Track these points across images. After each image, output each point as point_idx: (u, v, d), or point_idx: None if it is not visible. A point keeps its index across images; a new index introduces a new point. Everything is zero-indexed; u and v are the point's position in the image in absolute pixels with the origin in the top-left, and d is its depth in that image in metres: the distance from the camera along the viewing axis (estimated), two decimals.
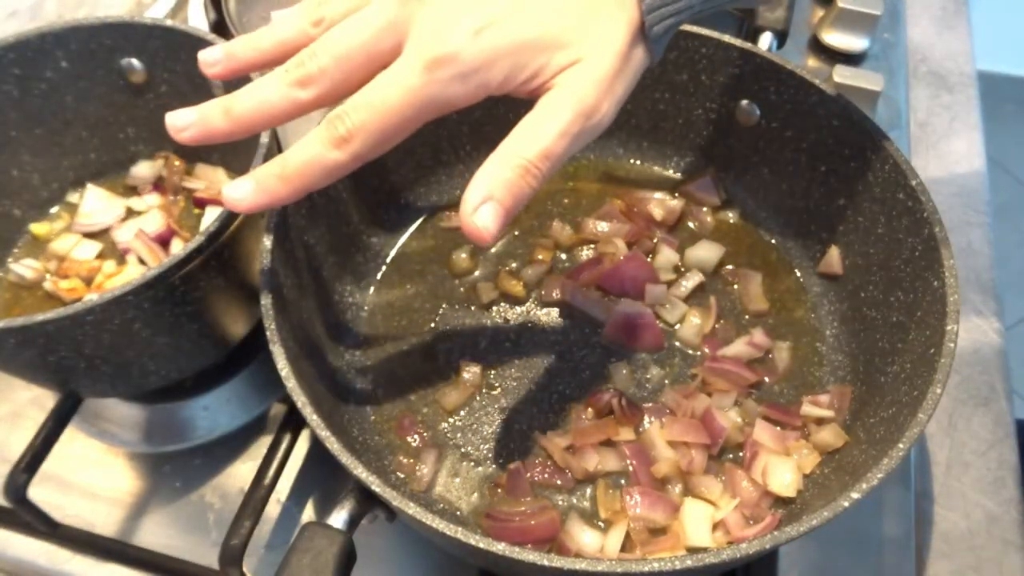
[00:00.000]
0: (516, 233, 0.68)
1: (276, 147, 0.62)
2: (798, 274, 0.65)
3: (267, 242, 0.51)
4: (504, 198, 0.39)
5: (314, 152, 0.39)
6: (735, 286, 0.64)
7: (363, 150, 0.39)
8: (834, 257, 0.61)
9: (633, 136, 0.70)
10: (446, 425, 0.58)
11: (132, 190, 0.70)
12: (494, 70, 0.39)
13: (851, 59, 0.87)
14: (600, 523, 0.53)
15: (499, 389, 0.59)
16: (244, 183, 0.40)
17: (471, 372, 0.60)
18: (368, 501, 0.46)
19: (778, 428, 0.56)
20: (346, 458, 0.43)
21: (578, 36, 0.40)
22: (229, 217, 0.52)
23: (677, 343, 0.61)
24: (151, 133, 0.70)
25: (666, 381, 0.59)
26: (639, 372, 0.60)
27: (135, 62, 0.65)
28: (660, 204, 0.68)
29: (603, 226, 0.67)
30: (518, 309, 0.64)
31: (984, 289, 0.71)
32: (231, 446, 0.63)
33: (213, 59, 0.43)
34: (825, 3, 0.91)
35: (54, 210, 0.70)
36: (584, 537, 0.52)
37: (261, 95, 0.41)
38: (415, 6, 0.39)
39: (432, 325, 0.63)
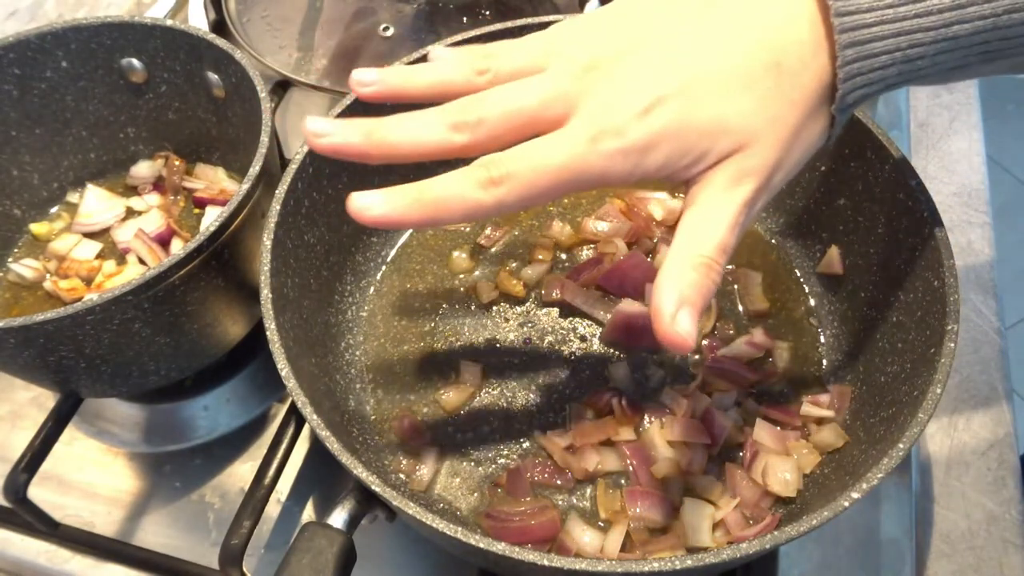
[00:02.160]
0: (516, 233, 0.68)
1: (276, 148, 0.62)
2: (798, 274, 0.65)
3: (267, 242, 0.51)
4: (696, 300, 0.38)
5: (459, 187, 0.39)
6: (735, 286, 0.64)
7: (508, 199, 0.38)
8: (834, 257, 0.61)
9: None
10: (446, 425, 0.58)
11: (132, 190, 0.71)
12: (656, 152, 0.38)
13: None
14: (600, 523, 0.53)
15: (499, 389, 0.59)
16: (377, 195, 0.39)
17: (471, 372, 0.60)
18: (368, 501, 0.46)
19: (778, 428, 0.56)
20: (346, 458, 0.43)
21: (747, 121, 0.39)
22: (229, 217, 0.52)
23: None
24: (151, 133, 0.70)
25: (666, 381, 0.59)
26: (639, 372, 0.60)
27: (135, 62, 0.65)
28: (660, 204, 0.68)
29: (603, 226, 0.67)
30: (518, 309, 0.64)
31: (984, 289, 0.71)
32: (231, 446, 0.63)
33: (368, 80, 0.42)
34: None
35: (54, 210, 0.70)
36: (584, 537, 0.52)
37: (414, 127, 0.40)
38: (589, 82, 0.39)
39: (432, 325, 0.63)
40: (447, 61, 0.43)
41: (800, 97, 0.39)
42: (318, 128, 0.40)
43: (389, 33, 0.79)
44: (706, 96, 0.38)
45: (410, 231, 0.68)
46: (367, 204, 0.39)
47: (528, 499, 0.54)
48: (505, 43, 0.43)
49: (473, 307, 0.64)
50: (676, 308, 0.38)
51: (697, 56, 0.39)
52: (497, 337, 0.62)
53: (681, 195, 0.69)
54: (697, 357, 0.60)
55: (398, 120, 0.40)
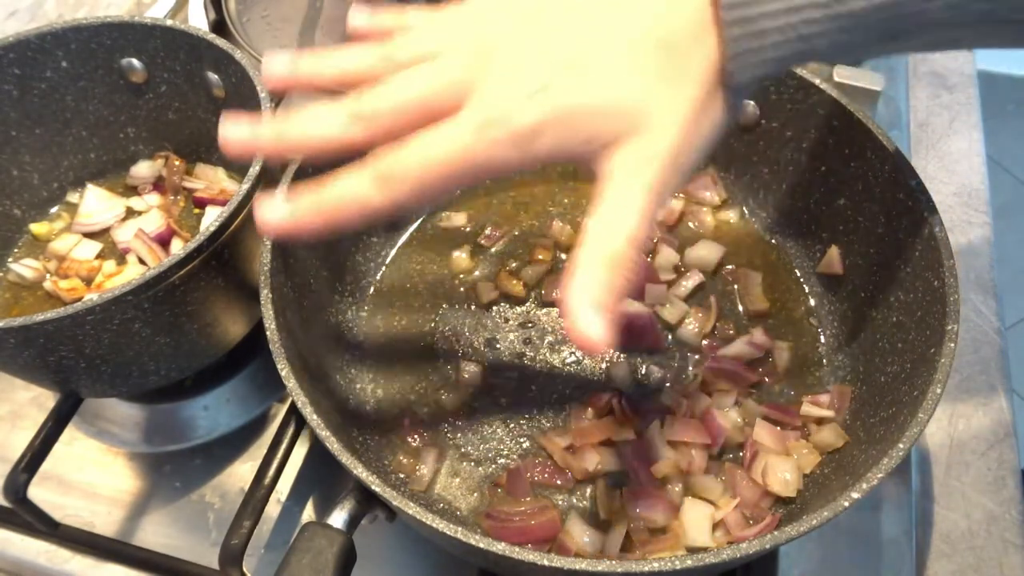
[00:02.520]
0: (516, 233, 0.68)
1: None
2: (798, 274, 0.65)
3: (267, 242, 0.51)
4: (607, 299, 0.37)
5: (352, 188, 0.39)
6: (735, 286, 0.64)
7: (400, 196, 0.38)
8: (834, 257, 0.61)
9: None
10: (446, 425, 0.58)
11: (132, 190, 0.71)
12: (544, 136, 0.38)
13: None
14: (600, 523, 0.53)
15: (499, 389, 0.59)
16: (279, 206, 0.40)
17: (471, 372, 0.60)
18: (368, 501, 0.46)
19: (778, 428, 0.56)
20: (346, 458, 0.43)
21: (641, 102, 0.38)
22: (229, 217, 0.52)
23: (677, 343, 0.61)
24: (151, 133, 0.70)
25: (666, 381, 0.59)
26: (639, 372, 0.60)
27: (135, 62, 0.65)
28: None
29: None
30: (518, 309, 0.64)
31: (984, 289, 0.71)
32: (231, 446, 0.63)
33: (275, 74, 0.43)
34: None
35: (54, 210, 0.70)
36: (584, 537, 0.52)
37: (316, 121, 0.40)
38: (478, 69, 0.39)
39: (432, 325, 0.63)
40: (353, 50, 0.43)
41: (693, 77, 0.38)
42: (231, 133, 0.41)
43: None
44: (593, 78, 0.38)
45: (410, 231, 0.68)
46: (270, 218, 0.39)
47: (528, 499, 0.54)
48: (417, 17, 0.43)
49: (473, 307, 0.64)
50: (588, 310, 0.36)
51: (585, 37, 0.38)
52: (497, 337, 0.62)
53: (680, 195, 0.69)
54: (697, 357, 0.60)
55: (300, 115, 0.40)
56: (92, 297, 0.48)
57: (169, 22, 0.62)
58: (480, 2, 0.42)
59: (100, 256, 0.67)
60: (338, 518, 0.45)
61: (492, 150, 0.38)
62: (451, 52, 0.40)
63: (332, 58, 0.43)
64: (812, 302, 0.63)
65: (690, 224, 0.68)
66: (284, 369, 0.46)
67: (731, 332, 0.61)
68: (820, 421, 0.56)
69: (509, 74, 0.38)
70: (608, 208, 0.38)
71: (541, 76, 0.38)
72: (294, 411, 0.57)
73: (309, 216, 0.39)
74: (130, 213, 0.69)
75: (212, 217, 0.61)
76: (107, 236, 0.68)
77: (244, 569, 0.51)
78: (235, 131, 0.41)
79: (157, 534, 0.59)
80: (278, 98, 0.72)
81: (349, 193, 0.39)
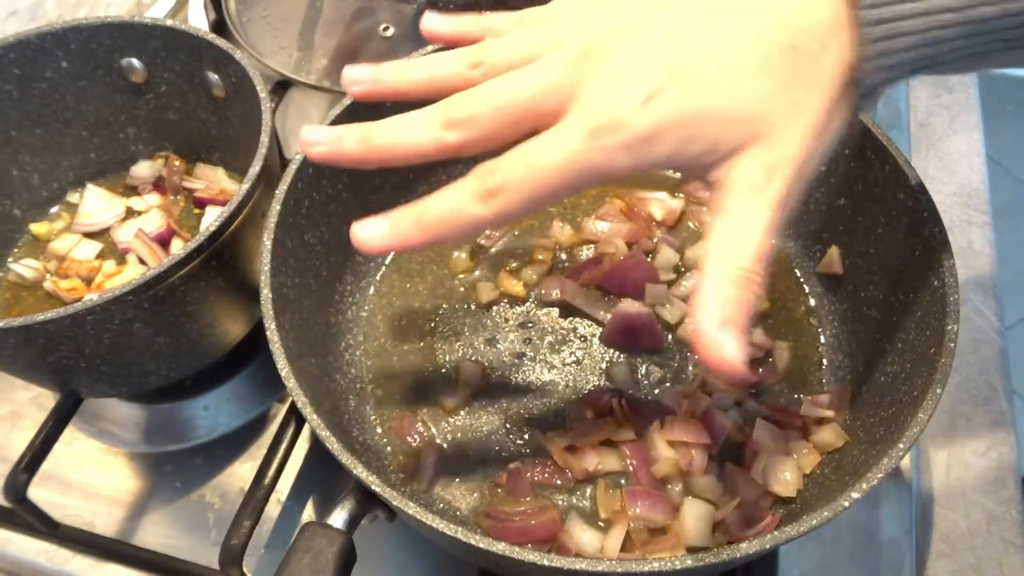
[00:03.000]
0: (516, 233, 0.68)
1: (276, 148, 0.62)
2: (798, 274, 0.65)
3: (267, 242, 0.51)
4: (739, 318, 0.35)
5: (456, 203, 0.37)
6: None
7: (508, 208, 0.36)
8: (834, 257, 0.61)
9: None
10: (446, 425, 0.58)
11: (132, 190, 0.71)
12: (661, 142, 0.36)
13: None
14: (600, 523, 0.53)
15: (499, 389, 0.59)
16: (378, 223, 0.38)
17: (471, 372, 0.60)
18: (368, 501, 0.46)
19: (778, 428, 0.56)
20: (346, 458, 0.43)
21: (765, 108, 0.35)
22: (229, 217, 0.52)
23: (677, 343, 0.61)
24: (151, 133, 0.70)
25: (666, 381, 0.59)
26: (639, 372, 0.60)
27: (135, 62, 0.65)
28: (660, 204, 0.68)
29: (603, 226, 0.67)
30: (518, 309, 0.64)
31: (984, 289, 0.71)
32: (231, 446, 0.63)
33: (359, 79, 0.41)
34: None
35: (54, 210, 0.70)
36: (584, 537, 0.52)
37: (405, 129, 0.38)
38: (585, 70, 0.37)
39: (432, 325, 0.63)
40: (441, 56, 0.41)
41: (822, 81, 0.36)
42: (313, 137, 0.40)
43: (389, 33, 0.79)
44: (715, 81, 0.36)
45: None
46: (368, 236, 0.38)
47: (528, 499, 0.54)
48: (502, 20, 0.41)
49: (473, 307, 0.64)
50: (719, 330, 0.35)
51: (704, 38, 0.36)
52: (497, 337, 0.62)
53: (680, 195, 0.69)
54: (697, 357, 0.60)
55: (391, 123, 0.39)
56: (92, 297, 0.48)
57: (169, 22, 0.62)
58: (578, 1, 0.40)
59: (100, 256, 0.67)
60: (338, 518, 0.45)
61: (604, 157, 0.36)
62: (553, 54, 0.38)
63: (420, 65, 0.41)
64: (812, 302, 0.63)
65: (690, 224, 0.68)
66: (284, 369, 0.46)
67: None
68: (820, 421, 0.56)
69: (620, 77, 0.36)
70: (732, 223, 0.36)
71: (656, 79, 0.36)
72: (294, 411, 0.57)
73: (410, 233, 0.38)
74: (130, 213, 0.69)
75: (212, 217, 0.61)
76: (107, 236, 0.68)
77: (244, 569, 0.51)
78: (316, 134, 0.40)
79: (157, 534, 0.59)
80: (278, 99, 0.72)
81: (453, 209, 0.37)
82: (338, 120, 0.56)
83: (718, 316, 0.35)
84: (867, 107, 0.38)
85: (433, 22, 0.44)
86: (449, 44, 0.43)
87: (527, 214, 0.38)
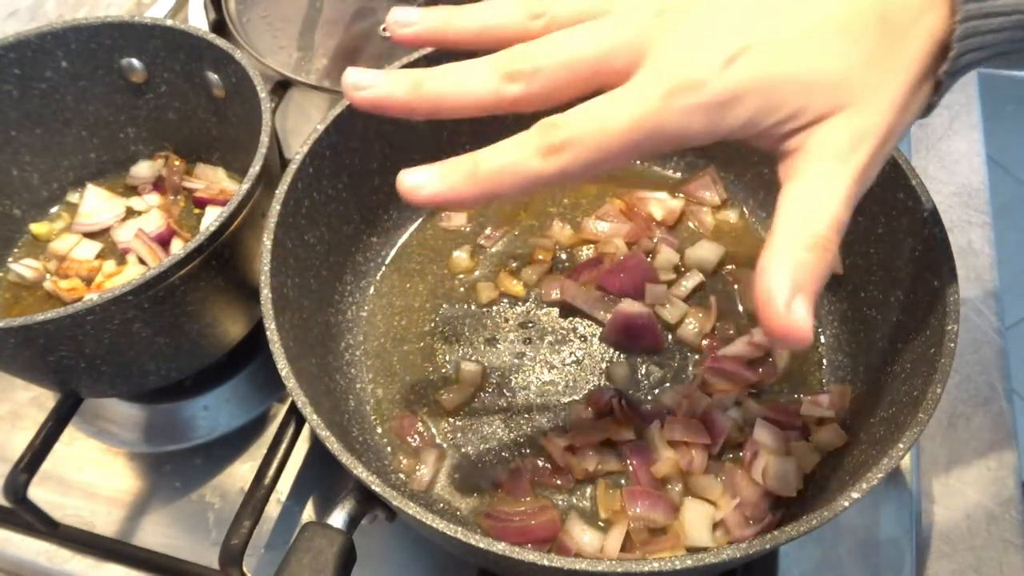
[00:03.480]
0: (516, 233, 0.68)
1: (276, 148, 0.62)
2: None
3: (267, 242, 0.51)
4: (812, 286, 0.33)
5: (516, 156, 0.35)
6: (735, 286, 0.64)
7: (572, 166, 0.34)
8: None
9: None
10: (446, 425, 0.58)
11: (132, 190, 0.71)
12: (741, 107, 0.34)
13: None
14: (600, 523, 0.53)
15: (499, 389, 0.59)
16: (428, 171, 0.35)
17: (471, 372, 0.60)
18: (368, 501, 0.46)
19: (778, 428, 0.56)
20: (346, 458, 0.43)
21: (852, 76, 0.34)
22: (229, 217, 0.52)
23: (677, 343, 0.61)
24: (151, 133, 0.70)
25: (666, 381, 0.59)
26: (639, 372, 0.60)
27: (135, 62, 0.65)
28: (660, 204, 0.68)
29: (603, 226, 0.67)
30: (518, 309, 0.64)
31: (984, 289, 0.71)
32: (231, 446, 0.63)
33: (408, 20, 0.39)
34: None
35: (54, 210, 0.70)
36: (584, 537, 0.52)
37: (463, 77, 0.36)
38: (662, 28, 0.35)
39: (432, 325, 0.63)
40: (496, 3, 0.38)
41: (910, 55, 0.34)
42: (358, 79, 0.37)
43: (389, 33, 0.79)
44: (800, 45, 0.34)
45: (410, 231, 0.68)
46: (419, 183, 0.35)
47: (528, 499, 0.54)
48: None
49: (473, 307, 0.64)
50: (790, 295, 0.32)
51: (791, 2, 0.35)
52: (497, 337, 0.62)
53: (680, 195, 0.69)
54: (697, 357, 0.60)
55: (447, 69, 0.36)
56: (92, 297, 0.48)
57: (169, 22, 0.62)
58: None
59: (100, 256, 0.67)
60: (338, 518, 0.45)
61: (679, 119, 0.34)
62: (624, 10, 0.36)
63: (473, 11, 0.38)
64: None
65: (690, 224, 0.68)
66: (284, 369, 0.46)
67: (731, 332, 0.61)
68: (820, 421, 0.56)
69: (699, 35, 0.34)
70: (810, 189, 0.35)
71: (740, 38, 0.34)
72: (294, 411, 0.57)
73: (463, 185, 0.35)
74: (130, 213, 0.69)
75: (212, 217, 0.61)
76: (107, 236, 0.68)
77: (244, 569, 0.51)
78: (364, 78, 0.37)
79: (157, 534, 0.59)
80: (278, 99, 0.72)
81: (512, 163, 0.35)
82: (340, 118, 0.56)
83: (789, 281, 0.33)
84: (947, 88, 0.36)
85: None
86: None
87: (588, 175, 0.36)
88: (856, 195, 0.35)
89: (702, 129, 0.34)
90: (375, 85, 0.37)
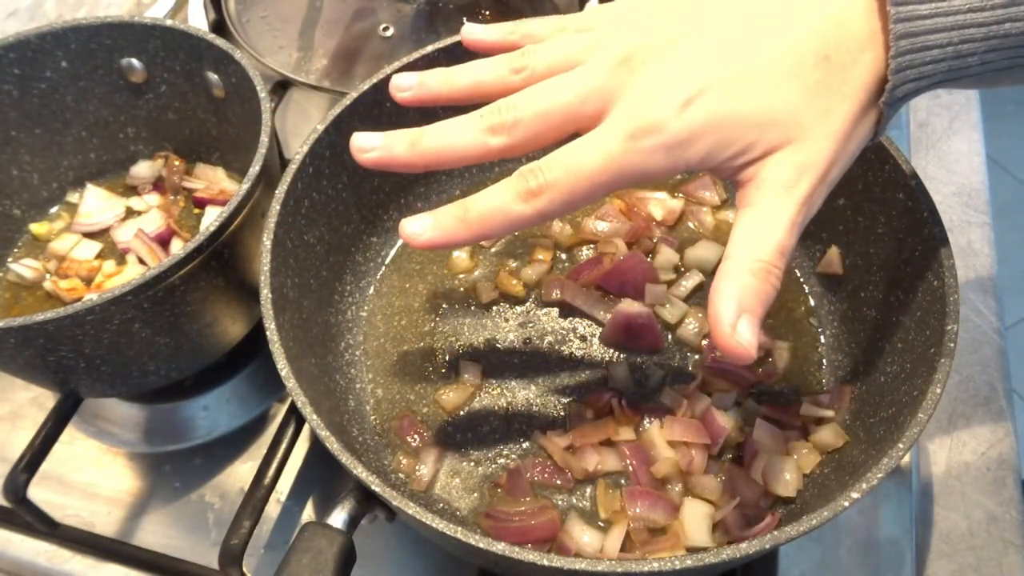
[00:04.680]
0: (516, 233, 0.68)
1: (276, 148, 0.62)
2: (798, 274, 0.65)
3: (267, 242, 0.51)
4: (756, 307, 0.37)
5: (500, 201, 0.39)
6: None
7: (549, 207, 0.39)
8: (834, 257, 0.61)
9: None
10: (446, 425, 0.58)
11: (132, 190, 0.71)
12: (698, 144, 0.38)
13: None
14: (600, 523, 0.53)
15: (499, 389, 0.59)
16: (424, 219, 0.40)
17: (471, 372, 0.60)
18: (368, 501, 0.46)
19: (778, 428, 0.56)
20: (346, 458, 0.43)
21: (796, 112, 0.37)
22: (229, 217, 0.52)
23: (677, 343, 0.61)
24: (151, 133, 0.70)
25: (666, 381, 0.59)
26: (639, 372, 0.60)
27: (135, 62, 0.65)
28: (660, 204, 0.68)
29: (603, 226, 0.67)
30: (518, 309, 0.64)
31: (984, 289, 0.71)
32: (231, 446, 0.63)
33: (406, 85, 0.44)
34: None
35: (54, 210, 0.70)
36: (584, 537, 0.52)
37: (451, 134, 0.40)
38: (626, 76, 0.39)
39: (432, 325, 0.63)
40: (483, 62, 0.43)
41: (851, 90, 0.38)
42: (363, 143, 0.42)
43: (389, 33, 0.79)
44: (751, 86, 0.37)
45: None
46: (417, 231, 0.40)
47: (528, 499, 0.54)
48: (543, 27, 0.43)
49: (473, 307, 0.64)
50: (736, 316, 0.37)
51: (741, 45, 0.38)
52: (497, 337, 0.62)
53: (680, 195, 0.69)
54: (697, 357, 0.60)
55: (437, 128, 0.41)
56: (92, 297, 0.48)
57: (169, 22, 0.62)
58: (617, 8, 0.42)
59: (100, 256, 0.67)
60: (338, 518, 0.45)
61: (642, 158, 0.38)
62: (593, 60, 0.40)
63: (464, 71, 0.43)
64: (812, 302, 0.63)
65: (690, 224, 0.68)
66: (284, 369, 0.46)
67: None
68: (820, 421, 0.56)
69: (659, 80, 0.38)
70: (757, 216, 0.38)
71: (695, 82, 0.37)
72: (294, 411, 0.57)
73: (455, 229, 0.40)
74: (130, 213, 0.69)
75: (212, 217, 0.61)
76: (107, 236, 0.68)
77: (244, 569, 0.51)
78: (368, 140, 0.42)
79: (157, 534, 0.59)
80: (278, 99, 0.72)
81: (496, 208, 0.39)
82: (340, 118, 0.56)
83: (736, 304, 0.37)
84: (890, 116, 0.39)
85: (474, 31, 0.46)
86: (489, 52, 0.45)
87: (567, 213, 0.40)
88: (802, 222, 0.38)
89: (664, 166, 0.38)
90: (378, 147, 0.41)
